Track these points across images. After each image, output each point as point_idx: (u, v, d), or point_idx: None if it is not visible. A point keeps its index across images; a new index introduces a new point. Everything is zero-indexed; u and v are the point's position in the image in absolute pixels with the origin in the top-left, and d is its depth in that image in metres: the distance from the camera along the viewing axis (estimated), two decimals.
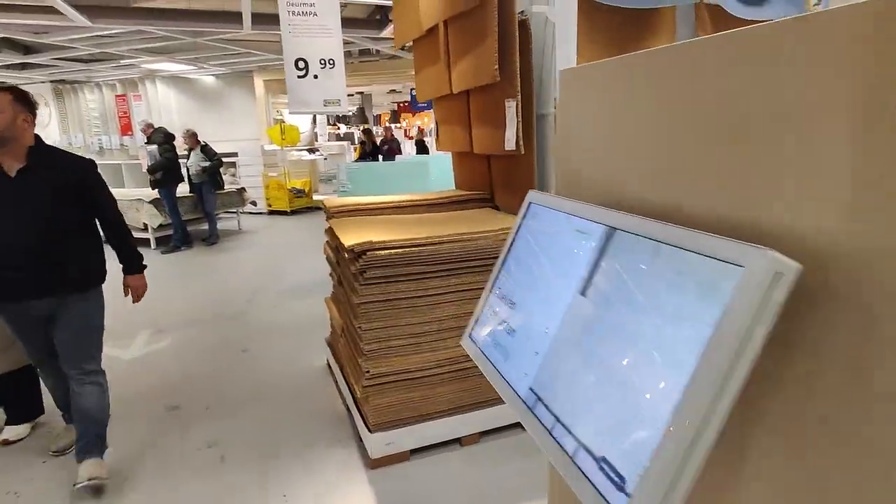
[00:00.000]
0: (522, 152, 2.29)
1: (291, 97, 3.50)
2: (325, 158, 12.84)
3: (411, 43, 3.14)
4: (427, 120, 21.83)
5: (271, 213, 10.71)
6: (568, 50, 2.23)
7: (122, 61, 8.85)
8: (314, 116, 14.28)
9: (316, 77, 3.43)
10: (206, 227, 7.77)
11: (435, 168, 6.25)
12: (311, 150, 12.64)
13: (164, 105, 11.97)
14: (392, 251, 2.08)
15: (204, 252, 6.94)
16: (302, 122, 12.90)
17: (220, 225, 8.85)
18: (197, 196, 7.37)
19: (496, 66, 2.19)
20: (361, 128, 13.66)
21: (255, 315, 4.27)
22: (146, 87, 11.65)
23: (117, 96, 11.32)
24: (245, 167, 11.09)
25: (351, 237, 2.19)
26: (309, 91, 3.43)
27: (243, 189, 8.98)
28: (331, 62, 3.42)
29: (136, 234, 7.78)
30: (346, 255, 2.08)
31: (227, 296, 4.84)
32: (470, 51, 2.42)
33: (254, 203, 9.24)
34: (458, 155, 3.25)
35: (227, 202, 8.65)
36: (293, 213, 10.65)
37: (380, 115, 21.37)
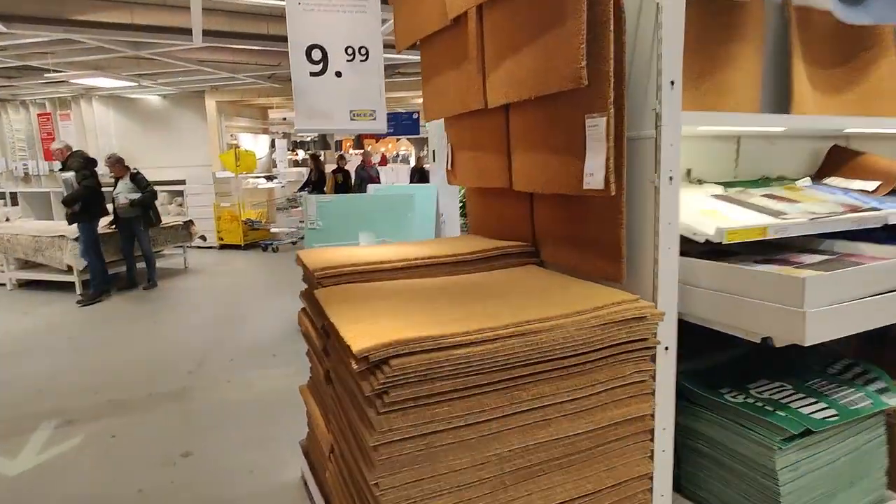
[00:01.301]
0: (613, 192, 1.54)
1: (300, 105, 2.46)
2: (283, 186, 11.85)
3: (418, 42, 2.37)
4: (391, 146, 21.19)
5: (223, 247, 9.61)
6: (675, 46, 1.52)
7: (47, 75, 7.71)
8: (272, 141, 13.32)
9: (339, 75, 2.42)
10: (143, 266, 6.65)
11: (421, 202, 5.47)
12: (269, 178, 11.65)
13: (101, 127, 10.76)
14: (430, 355, 1.26)
15: (138, 301, 5.84)
16: (259, 148, 11.90)
17: (163, 263, 7.73)
18: (123, 233, 6.22)
19: (582, 64, 1.45)
20: (310, 153, 12.74)
21: (202, 393, 3.31)
22: (80, 107, 10.42)
23: (40, 115, 10.04)
24: (194, 196, 9.98)
25: (356, 327, 1.36)
26: (328, 96, 2.41)
27: (191, 222, 7.92)
28: (362, 52, 2.42)
29: (57, 279, 6.60)
30: (353, 364, 1.25)
31: (166, 363, 3.84)
32: (527, 44, 1.67)
33: (203, 237, 8.17)
34: (479, 192, 2.47)
35: (172, 237, 7.56)
36: (247, 247, 9.60)
37: (341, 140, 20.56)
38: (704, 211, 1.84)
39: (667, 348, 1.64)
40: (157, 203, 10.74)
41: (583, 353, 1.46)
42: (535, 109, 1.82)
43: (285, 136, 18.37)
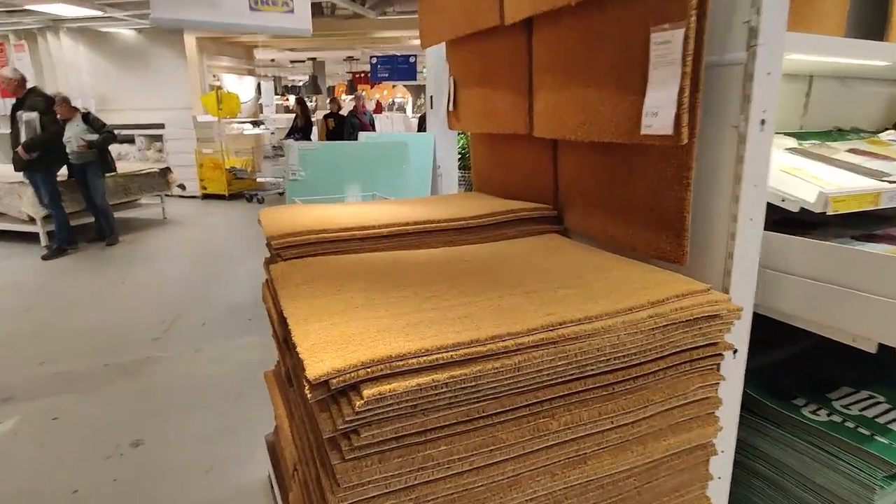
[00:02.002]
0: (685, 139, 1.09)
1: None
2: (273, 133, 11.19)
3: None
4: (387, 93, 20.20)
5: (206, 197, 9.08)
6: None
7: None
8: (258, 84, 12.51)
9: None
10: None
11: (417, 151, 4.96)
12: (255, 123, 10.97)
13: (70, 64, 9.97)
14: (422, 378, 0.85)
15: (107, 256, 5.38)
16: (244, 91, 11.17)
17: (139, 213, 7.24)
18: (78, 181, 5.59)
19: None
20: (295, 97, 11.84)
21: (165, 365, 2.93)
22: (47, 41, 9.60)
23: None
24: (174, 142, 9.36)
25: (315, 332, 0.94)
26: None
27: (168, 169, 7.37)
28: None
29: (19, 229, 6.08)
30: (308, 391, 0.83)
31: (129, 327, 3.44)
32: None
33: (182, 186, 7.64)
34: (486, 140, 2.00)
35: (147, 185, 7.04)
36: (232, 197, 9.07)
37: (334, 86, 19.59)
38: (786, 168, 1.39)
39: (735, 352, 1.24)
40: (136, 148, 10.12)
41: (634, 364, 1.06)
42: (571, 23, 1.33)
43: (274, 79, 17.44)
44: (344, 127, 8.52)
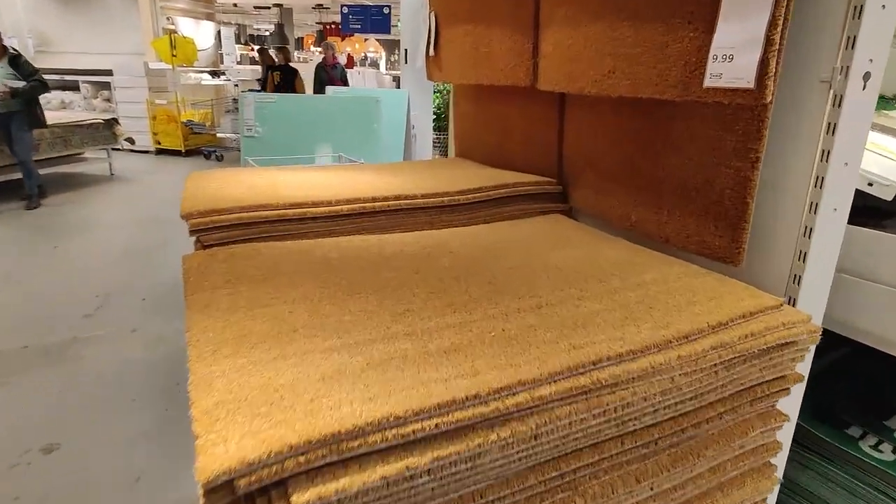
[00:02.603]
0: (769, 97, 0.77)
1: None
2: (236, 85, 10.40)
3: None
4: (359, 46, 19.15)
5: (160, 152, 8.40)
6: None
7: None
8: (218, 32, 11.58)
9: None
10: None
11: (390, 109, 4.53)
12: (215, 73, 10.17)
13: (5, 1, 8.97)
14: (391, 467, 0.53)
15: (39, 219, 4.82)
16: (202, 37, 10.30)
17: (83, 168, 6.61)
18: (2, 133, 4.85)
19: None
20: (258, 47, 10.72)
21: (95, 349, 2.54)
22: None
23: None
24: (123, 90, 8.57)
25: (225, 387, 0.60)
26: None
27: (115, 121, 6.70)
28: None
29: None
30: (201, 498, 0.51)
31: (58, 302, 3.01)
32: None
33: (130, 140, 6.98)
34: (474, 94, 1.64)
35: (91, 138, 6.38)
36: (189, 153, 8.41)
37: (303, 37, 18.49)
38: (869, 145, 1.09)
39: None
40: (81, 96, 9.23)
41: (686, 412, 0.76)
42: None
43: (238, 27, 16.31)
44: (295, 81, 7.42)
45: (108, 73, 8.57)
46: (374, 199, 1.14)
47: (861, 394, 1.23)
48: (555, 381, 0.63)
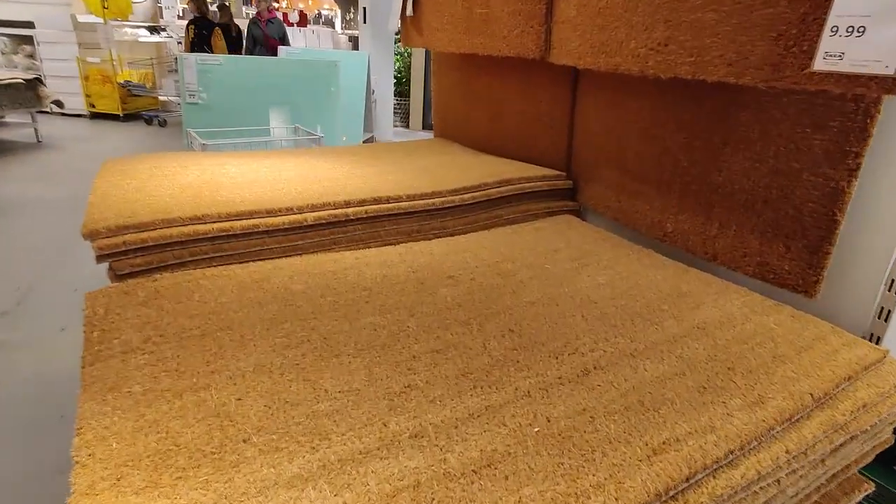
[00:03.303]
0: None
1: None
2: (180, 42, 9.55)
3: None
4: (312, 2, 17.99)
5: (95, 116, 7.65)
6: None
7: None
8: None
9: None
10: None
11: (347, 73, 4.16)
12: (154, 29, 9.28)
13: None
14: None
15: None
16: None
17: (6, 135, 5.91)
18: None
19: None
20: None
21: (14, 354, 2.20)
22: None
23: None
24: (48, 46, 7.71)
25: None
26: None
27: (39, 80, 5.98)
28: None
29: None
30: None
31: None
32: None
33: (58, 103, 6.26)
34: (459, 64, 1.38)
35: (11, 99, 5.68)
36: (128, 118, 7.70)
37: None
38: None
39: None
40: None
41: None
42: None
43: None
44: (208, 37, 6.02)
45: (30, 25, 7.67)
46: (347, 204, 0.89)
47: None
48: None
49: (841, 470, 0.64)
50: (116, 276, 0.73)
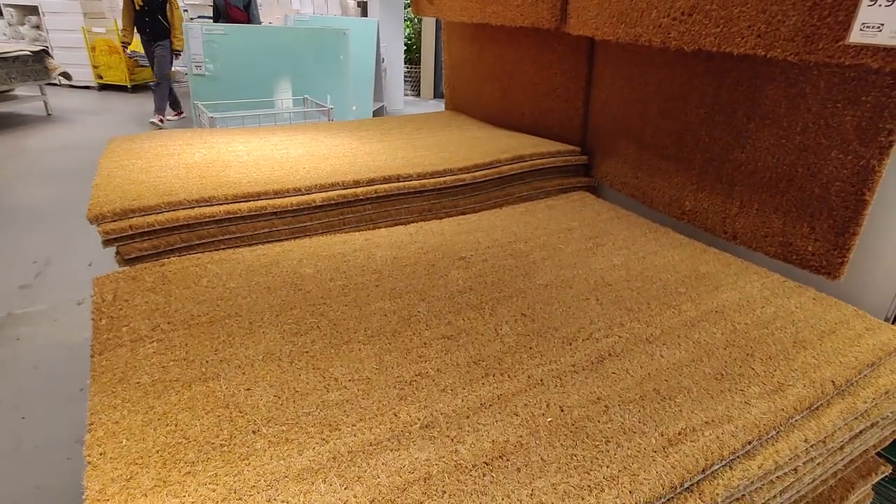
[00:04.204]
0: None
1: None
2: (186, 10, 9.40)
3: None
4: None
5: (103, 88, 7.61)
6: None
7: None
8: None
9: None
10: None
11: (357, 39, 4.07)
12: None
13: None
14: None
15: None
16: None
17: (13, 107, 5.92)
18: None
19: None
20: None
21: (32, 329, 2.24)
22: None
23: None
24: (54, 16, 7.63)
25: None
26: None
27: (46, 52, 5.94)
28: None
29: None
30: None
31: None
32: None
33: (66, 75, 6.23)
34: (472, 35, 1.33)
35: (19, 72, 5.66)
36: (136, 89, 7.65)
37: None
38: None
39: None
40: (5, 23, 8.19)
41: (797, 499, 0.57)
42: None
43: None
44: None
45: None
46: (356, 184, 0.87)
47: None
48: None
49: (859, 455, 0.63)
50: (124, 259, 0.72)
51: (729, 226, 0.82)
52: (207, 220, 0.77)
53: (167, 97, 5.38)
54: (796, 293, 0.71)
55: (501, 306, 0.67)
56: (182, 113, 5.29)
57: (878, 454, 0.89)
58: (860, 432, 0.56)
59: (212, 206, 0.77)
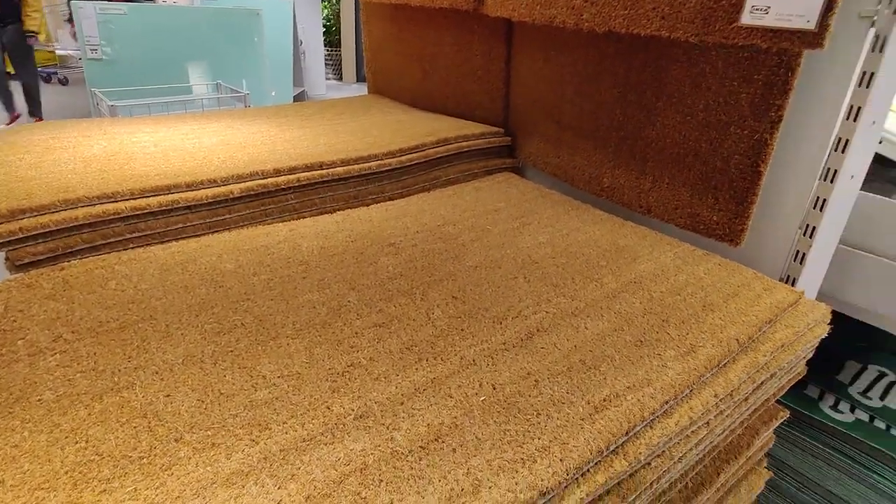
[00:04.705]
0: (825, 44, 0.57)
1: None
2: None
3: None
4: None
5: None
6: None
7: None
8: None
9: None
10: None
11: (273, 22, 3.88)
12: None
13: None
14: None
15: None
16: None
17: None
18: None
19: None
20: None
21: None
22: None
23: None
24: None
25: None
26: None
27: None
28: None
29: None
30: None
31: None
32: None
33: None
34: (396, 16, 1.31)
35: None
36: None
37: None
38: None
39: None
40: None
41: (709, 451, 0.62)
42: None
43: None
44: None
45: None
46: (277, 173, 0.84)
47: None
48: (584, 477, 0.45)
49: (762, 404, 0.69)
50: (15, 266, 0.65)
51: (643, 200, 0.86)
52: (112, 217, 0.71)
53: (39, 94, 4.30)
54: (704, 260, 0.77)
55: (433, 290, 0.67)
56: (18, 115, 4.28)
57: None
58: (762, 383, 0.62)
59: (116, 202, 0.71)
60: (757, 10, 0.57)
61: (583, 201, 0.95)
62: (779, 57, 0.65)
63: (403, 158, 0.96)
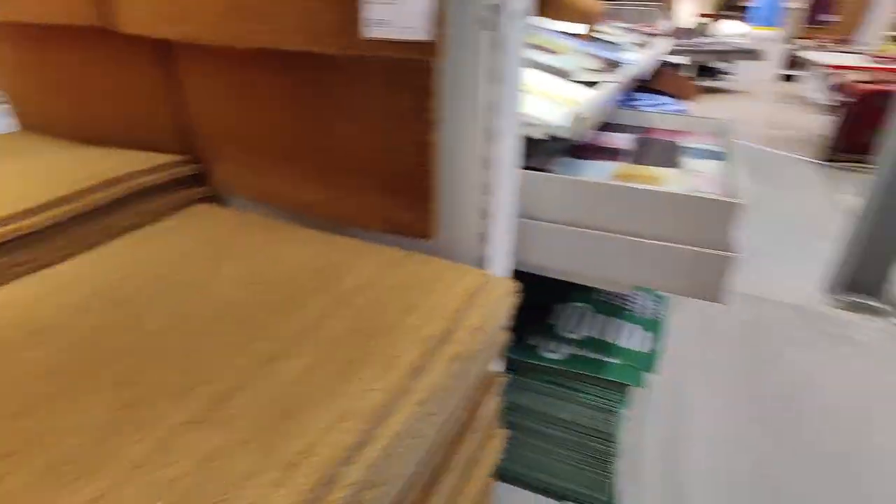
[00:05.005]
0: (438, 52, 0.63)
1: None
2: None
3: None
4: None
5: None
6: None
7: None
8: None
9: None
10: None
11: None
12: None
13: None
14: None
15: None
16: None
17: None
18: None
19: None
20: None
21: None
22: None
23: None
24: None
25: None
26: None
27: None
28: None
29: None
30: None
31: None
32: None
33: None
34: (25, 34, 1.05)
35: None
36: None
37: None
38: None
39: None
40: None
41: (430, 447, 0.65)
42: None
43: None
44: None
45: None
46: None
47: (524, 306, 1.41)
48: None
49: (475, 381, 0.76)
50: None
51: (342, 211, 0.86)
52: None
53: None
54: (406, 261, 0.80)
55: (95, 381, 0.55)
56: None
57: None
58: (464, 372, 0.66)
59: None
60: (377, 23, 0.59)
61: (289, 222, 0.90)
62: (418, 64, 0.69)
63: (54, 213, 0.77)
